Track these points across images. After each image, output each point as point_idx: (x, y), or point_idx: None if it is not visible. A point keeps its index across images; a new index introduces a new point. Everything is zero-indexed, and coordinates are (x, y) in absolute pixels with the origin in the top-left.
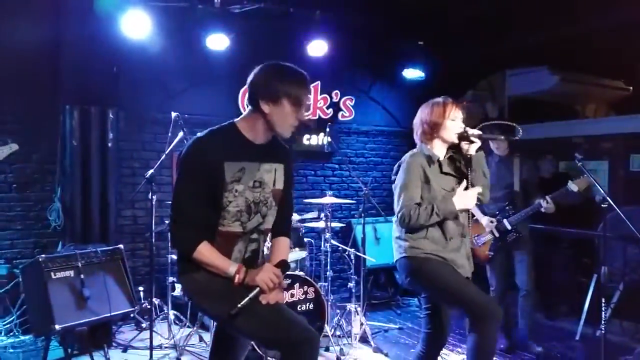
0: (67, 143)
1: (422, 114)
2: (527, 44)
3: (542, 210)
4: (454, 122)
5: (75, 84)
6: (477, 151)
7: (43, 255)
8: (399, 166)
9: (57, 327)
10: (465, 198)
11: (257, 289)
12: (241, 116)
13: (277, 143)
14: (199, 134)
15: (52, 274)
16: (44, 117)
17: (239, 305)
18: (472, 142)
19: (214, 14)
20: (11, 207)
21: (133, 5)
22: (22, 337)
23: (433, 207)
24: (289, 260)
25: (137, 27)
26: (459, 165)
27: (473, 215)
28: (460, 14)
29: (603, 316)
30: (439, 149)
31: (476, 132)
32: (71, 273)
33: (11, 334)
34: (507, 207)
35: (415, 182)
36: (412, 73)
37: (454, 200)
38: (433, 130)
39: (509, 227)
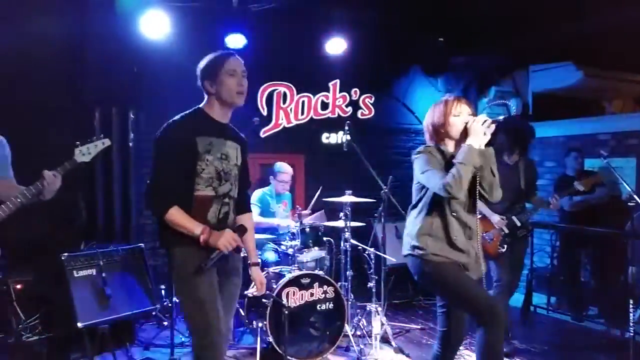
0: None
1: (428, 117)
2: (551, 39)
3: (551, 207)
4: (458, 118)
5: (97, 84)
6: (486, 146)
7: (66, 254)
8: (416, 154)
9: (80, 325)
10: (475, 134)
11: (217, 251)
12: (204, 101)
13: (235, 128)
14: (173, 118)
15: (74, 272)
16: (68, 117)
17: (203, 265)
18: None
19: (232, 13)
20: (35, 206)
21: (153, 5)
22: (47, 335)
23: (454, 164)
24: (308, 259)
25: (156, 27)
26: None
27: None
28: (483, 10)
29: (632, 317)
30: (451, 147)
31: (480, 117)
32: (93, 271)
33: (36, 331)
34: (515, 206)
35: (436, 161)
36: (433, 70)
37: (467, 143)
38: (439, 129)
39: (519, 224)
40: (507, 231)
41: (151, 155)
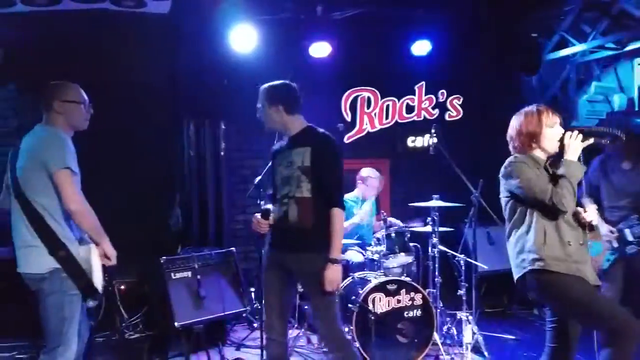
0: (185, 153)
1: (517, 125)
2: None
3: None
4: (552, 130)
5: (190, 98)
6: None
7: (164, 257)
8: (506, 171)
9: (177, 324)
10: (572, 148)
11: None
12: None
13: (308, 133)
14: None
15: (172, 274)
16: (166, 131)
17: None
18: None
19: (317, 22)
20: (138, 213)
21: (241, 20)
22: (148, 333)
23: (562, 177)
24: (394, 265)
25: (245, 41)
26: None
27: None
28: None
29: None
30: (541, 157)
31: (582, 128)
32: (189, 274)
33: (137, 329)
34: (632, 217)
35: (536, 172)
36: (527, 67)
37: (566, 158)
38: (531, 140)
39: (631, 239)
40: (615, 245)
41: (243, 164)
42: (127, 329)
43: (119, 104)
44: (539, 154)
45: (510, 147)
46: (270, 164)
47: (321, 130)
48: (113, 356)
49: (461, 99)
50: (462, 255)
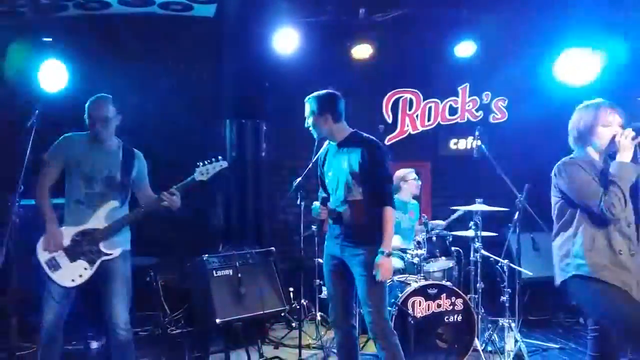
0: (227, 153)
1: (575, 118)
2: None
3: None
4: (607, 128)
5: (233, 99)
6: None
7: (206, 255)
8: (559, 170)
9: (218, 320)
10: (624, 149)
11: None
12: None
13: (356, 137)
14: None
15: (214, 272)
16: (209, 131)
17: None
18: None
19: (358, 24)
20: (181, 212)
21: (283, 23)
22: (189, 329)
23: (613, 180)
24: (435, 269)
25: (286, 43)
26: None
27: None
28: None
29: None
30: (595, 156)
31: (629, 132)
32: (230, 272)
33: (179, 324)
34: None
35: (589, 177)
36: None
37: (617, 159)
38: (584, 136)
39: None
40: None
41: (283, 164)
42: (169, 324)
43: (165, 105)
44: (592, 152)
45: (570, 139)
46: (316, 168)
47: (365, 135)
48: (155, 350)
49: (506, 101)
50: (505, 261)
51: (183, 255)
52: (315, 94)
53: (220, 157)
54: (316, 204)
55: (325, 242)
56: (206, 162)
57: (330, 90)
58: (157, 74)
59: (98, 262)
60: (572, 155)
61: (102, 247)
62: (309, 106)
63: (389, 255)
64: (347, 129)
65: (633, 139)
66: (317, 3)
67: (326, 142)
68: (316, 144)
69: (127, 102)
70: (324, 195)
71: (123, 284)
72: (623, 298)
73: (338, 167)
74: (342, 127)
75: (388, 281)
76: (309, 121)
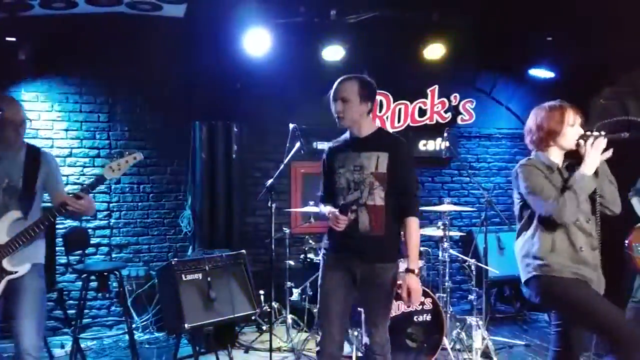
0: (197, 156)
1: (537, 120)
2: None
3: None
4: (573, 128)
5: (203, 100)
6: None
7: (175, 259)
8: (516, 172)
9: (187, 326)
10: (590, 158)
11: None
12: None
13: (384, 136)
14: None
15: (183, 276)
16: (178, 133)
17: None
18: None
19: (330, 26)
20: (149, 215)
21: (254, 24)
22: (157, 334)
23: (571, 188)
24: (402, 270)
25: (258, 44)
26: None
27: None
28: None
29: None
30: (556, 157)
31: (598, 134)
32: (199, 276)
33: (147, 330)
34: None
35: (544, 180)
36: (540, 71)
37: (581, 169)
38: (550, 137)
39: None
40: None
41: (254, 166)
42: (136, 330)
43: (136, 106)
44: (555, 152)
45: (527, 141)
46: (325, 164)
47: (395, 134)
48: (123, 356)
49: (474, 103)
50: (472, 260)
51: (151, 259)
52: (359, 76)
53: (135, 150)
54: (326, 209)
55: (329, 252)
56: (116, 157)
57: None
58: (127, 74)
59: (3, 283)
60: (530, 157)
61: (5, 264)
62: (349, 88)
63: (416, 272)
64: (373, 124)
65: (602, 152)
66: (289, 4)
67: (325, 146)
68: (287, 145)
69: (97, 102)
70: (346, 202)
71: (34, 304)
72: (585, 293)
73: (358, 164)
74: (370, 121)
75: None
76: (344, 105)
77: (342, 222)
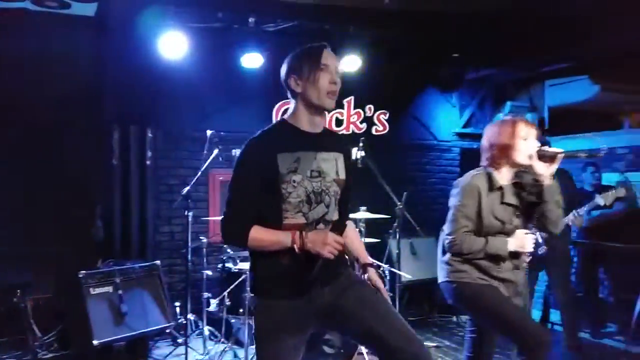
0: (109, 161)
1: (490, 136)
2: (568, 53)
3: (570, 224)
4: (526, 142)
5: (116, 104)
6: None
7: (83, 272)
8: (457, 185)
9: (95, 342)
10: (522, 242)
11: (320, 259)
12: (287, 113)
13: (334, 133)
14: (252, 136)
15: (91, 289)
16: (89, 137)
17: (308, 279)
18: (552, 161)
19: (248, 33)
20: (55, 224)
21: (171, 27)
22: (63, 352)
23: (486, 242)
24: None
25: (174, 48)
26: (525, 194)
27: None
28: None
29: None
30: (506, 174)
31: (557, 150)
32: (110, 289)
33: (52, 348)
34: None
35: (471, 206)
36: (448, 86)
37: (509, 241)
38: (503, 154)
39: (540, 241)
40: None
41: (170, 173)
42: (40, 348)
43: (41, 108)
44: (505, 171)
45: (483, 159)
46: (251, 166)
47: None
48: None
49: (387, 114)
50: (386, 265)
51: (57, 272)
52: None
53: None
54: (281, 234)
55: (275, 300)
56: None
57: None
58: (34, 74)
59: None
60: (479, 171)
61: None
62: (338, 66)
63: (373, 265)
64: None
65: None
66: (207, 9)
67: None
68: (205, 152)
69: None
70: (305, 220)
71: None
72: (492, 295)
73: (316, 169)
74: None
75: None
76: (338, 80)
77: (337, 242)
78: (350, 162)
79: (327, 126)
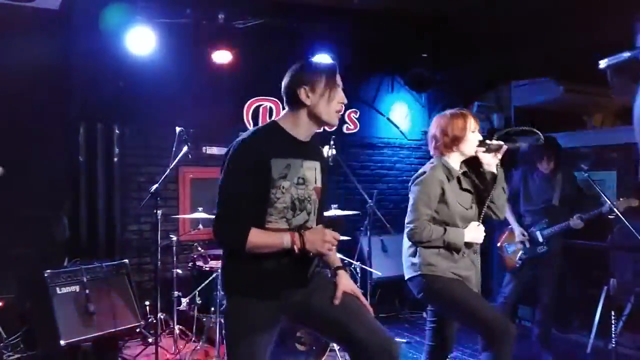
0: (75, 158)
1: (441, 126)
2: (534, 55)
3: (572, 226)
4: (474, 134)
5: (82, 100)
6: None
7: (49, 271)
8: (417, 177)
9: (62, 342)
10: (476, 234)
11: (316, 259)
12: (282, 115)
13: (314, 142)
14: (242, 135)
15: (57, 289)
16: (53, 134)
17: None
18: (497, 152)
19: (218, 30)
20: (20, 222)
21: (138, 22)
22: (29, 353)
23: (444, 232)
24: None
25: (142, 43)
26: (475, 181)
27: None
28: (466, 27)
29: (614, 329)
30: (456, 163)
31: (500, 142)
32: (77, 288)
33: (18, 349)
34: (543, 221)
35: (432, 197)
36: (417, 86)
37: (465, 233)
38: (453, 143)
39: (540, 240)
40: (528, 245)
41: (138, 171)
42: (5, 349)
43: (3, 104)
44: (455, 158)
45: (431, 148)
46: (245, 167)
47: None
48: None
49: (358, 113)
50: (357, 263)
51: (21, 271)
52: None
53: None
54: (284, 235)
55: (250, 298)
56: None
57: None
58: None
59: None
60: (433, 162)
61: None
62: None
63: (344, 267)
64: None
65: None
66: (175, 5)
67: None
68: (174, 149)
69: None
70: (287, 225)
71: None
72: (462, 290)
73: (302, 176)
74: None
75: None
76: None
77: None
78: (326, 170)
79: None
